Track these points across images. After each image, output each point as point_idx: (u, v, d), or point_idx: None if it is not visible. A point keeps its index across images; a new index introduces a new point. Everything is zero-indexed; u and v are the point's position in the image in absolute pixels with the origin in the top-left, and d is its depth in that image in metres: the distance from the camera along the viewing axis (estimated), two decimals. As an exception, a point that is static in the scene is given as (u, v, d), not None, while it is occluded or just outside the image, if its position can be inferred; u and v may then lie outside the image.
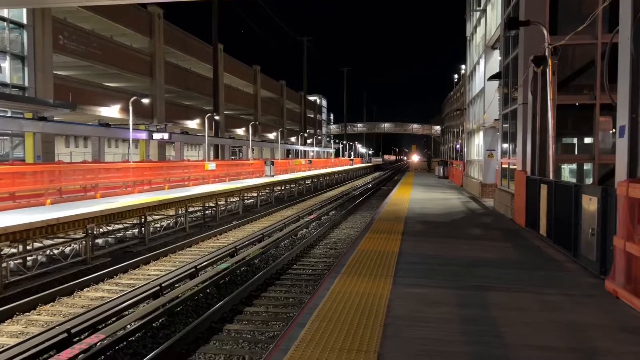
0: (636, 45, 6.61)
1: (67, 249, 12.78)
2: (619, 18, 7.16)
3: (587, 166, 14.81)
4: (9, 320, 8.59)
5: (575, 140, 16.21)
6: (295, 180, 34.67)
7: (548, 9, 13.92)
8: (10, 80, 24.95)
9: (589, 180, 14.53)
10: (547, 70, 11.54)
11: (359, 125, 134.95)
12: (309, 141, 79.78)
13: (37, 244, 12.21)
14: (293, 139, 78.50)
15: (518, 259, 8.94)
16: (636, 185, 6.03)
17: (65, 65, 31.30)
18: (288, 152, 72.60)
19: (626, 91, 6.80)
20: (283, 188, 31.87)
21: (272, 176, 32.44)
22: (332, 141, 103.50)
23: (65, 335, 7.24)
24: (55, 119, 25.84)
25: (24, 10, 25.28)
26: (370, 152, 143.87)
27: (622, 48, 7.01)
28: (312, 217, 21.05)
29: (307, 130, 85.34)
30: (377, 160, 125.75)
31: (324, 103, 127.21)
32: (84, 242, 12.70)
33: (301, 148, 72.96)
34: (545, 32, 11.80)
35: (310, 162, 51.25)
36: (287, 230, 17.47)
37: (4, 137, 24.18)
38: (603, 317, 5.64)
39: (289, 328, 5.12)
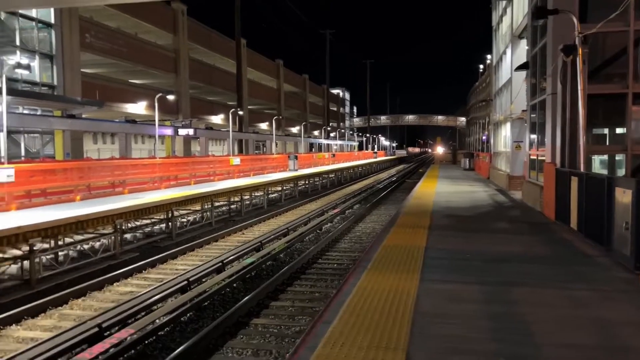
0: (672, 32, 6.37)
1: (97, 244, 13.03)
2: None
3: (619, 157, 14.43)
4: (42, 314, 8.81)
5: (606, 131, 15.79)
6: (318, 174, 34.67)
7: (577, -4, 13.54)
8: (40, 79, 25.52)
9: (620, 172, 14.16)
10: (578, 59, 11.23)
11: (383, 117, 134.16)
12: (332, 134, 79.70)
13: (68, 239, 12.49)
14: (316, 133, 78.53)
15: (547, 254, 8.77)
16: (672, 178, 5.84)
17: (92, 63, 31.87)
18: (311, 145, 72.63)
19: (661, 80, 6.57)
20: (307, 182, 31.91)
21: (296, 170, 32.51)
22: (355, 134, 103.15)
23: (96, 329, 7.39)
24: (83, 116, 26.34)
25: (52, 10, 25.77)
26: (394, 144, 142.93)
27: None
28: (336, 211, 21.03)
29: (330, 124, 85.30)
30: (401, 152, 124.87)
31: (347, 96, 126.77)
32: (112, 237, 12.94)
33: (324, 142, 72.93)
34: (575, 20, 11.48)
35: (334, 155, 51.19)
36: (312, 224, 17.48)
37: (35, 135, 24.77)
38: (636, 314, 5.49)
39: (316, 325, 5.11)
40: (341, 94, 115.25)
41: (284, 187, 27.02)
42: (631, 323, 5.20)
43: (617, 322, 5.21)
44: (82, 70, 28.67)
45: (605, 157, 15.37)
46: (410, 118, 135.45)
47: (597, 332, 4.95)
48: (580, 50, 11.11)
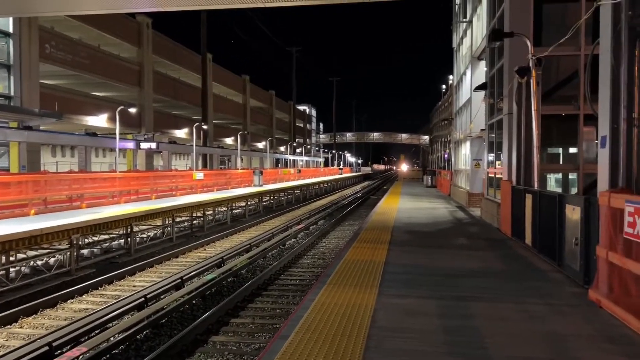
0: (616, 56, 6.70)
1: (52, 260, 12.62)
2: (600, 29, 7.27)
3: (573, 175, 14.96)
4: (-10, 333, 8.45)
5: (560, 150, 16.37)
6: (284, 190, 34.62)
7: (532, 21, 14.11)
8: (-4, 90, 24.75)
9: (574, 190, 14.67)
10: (531, 81, 11.67)
11: (348, 134, 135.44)
12: (298, 150, 79.85)
13: (20, 255, 12.06)
14: (282, 149, 78.53)
15: (503, 269, 8.97)
16: (618, 195, 6.10)
17: (52, 75, 31.12)
18: (277, 161, 72.54)
19: (607, 102, 6.89)
20: (272, 197, 31.80)
21: (261, 185, 32.38)
22: (321, 150, 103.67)
23: (46, 348, 7.13)
24: (41, 128, 25.64)
25: (10, 19, 25.13)
26: (360, 161, 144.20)
27: (602, 59, 7.12)
28: (300, 226, 21.01)
29: (297, 140, 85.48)
30: (367, 169, 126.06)
31: (313, 112, 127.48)
32: (68, 253, 12.56)
33: (290, 157, 72.99)
34: (529, 43, 11.95)
35: (300, 171, 51.24)
36: (275, 240, 17.41)
37: (-11, 147, 23.95)
38: (586, 327, 5.67)
39: (272, 340, 5.08)
40: (308, 111, 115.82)
41: (249, 203, 26.85)
42: (581, 336, 5.37)
43: (568, 335, 5.36)
44: (41, 81, 27.96)
45: (560, 175, 15.92)
46: (375, 135, 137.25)
47: (549, 345, 5.09)
48: (534, 72, 11.55)
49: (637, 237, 5.44)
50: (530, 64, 11.63)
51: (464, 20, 27.62)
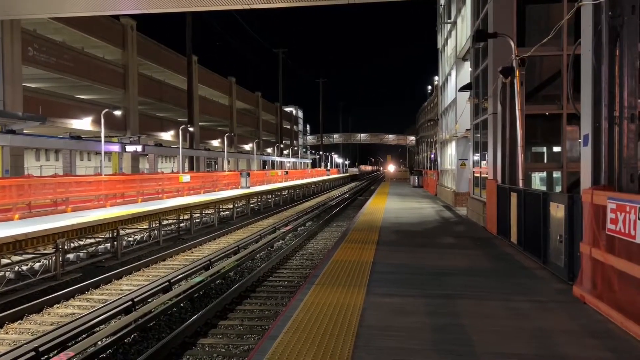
0: (597, 56, 6.83)
1: (37, 265, 12.49)
2: (581, 30, 7.40)
3: (557, 174, 15.16)
4: (-26, 339, 8.34)
5: (544, 149, 16.58)
6: (271, 192, 34.57)
7: (515, 22, 14.29)
8: (-22, 93, 24.40)
9: (558, 188, 14.86)
10: (515, 81, 11.81)
11: (335, 135, 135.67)
12: (285, 152, 79.76)
13: (4, 260, 11.90)
14: (269, 150, 78.40)
15: (489, 267, 9.06)
16: (600, 192, 6.21)
17: (35, 77, 30.77)
18: (264, 163, 72.41)
19: (589, 101, 7.01)
20: (259, 199, 31.74)
21: (248, 187, 32.31)
22: (308, 152, 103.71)
23: (32, 354, 7.06)
24: (24, 131, 25.30)
25: (-8, 21, 24.81)
26: (347, 162, 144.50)
27: (584, 59, 7.24)
28: (288, 228, 21.00)
29: (284, 142, 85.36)
30: (354, 170, 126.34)
31: (300, 114, 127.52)
32: (54, 258, 12.43)
33: (277, 159, 72.92)
34: (512, 43, 12.10)
35: (287, 173, 51.22)
36: (263, 241, 17.39)
37: (-29, 151, 23.54)
38: (570, 323, 5.76)
39: (261, 341, 5.09)
40: (294, 112, 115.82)
41: (236, 205, 26.77)
42: (566, 332, 5.45)
43: (553, 331, 5.44)
44: (24, 84, 27.62)
45: (545, 174, 16.11)
46: (362, 136, 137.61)
47: (535, 341, 5.16)
48: (517, 72, 11.69)
49: (620, 233, 5.55)
50: (514, 64, 11.77)
51: (449, 21, 27.85)
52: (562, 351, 4.88)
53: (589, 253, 6.35)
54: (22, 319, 9.42)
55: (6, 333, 8.73)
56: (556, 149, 15.52)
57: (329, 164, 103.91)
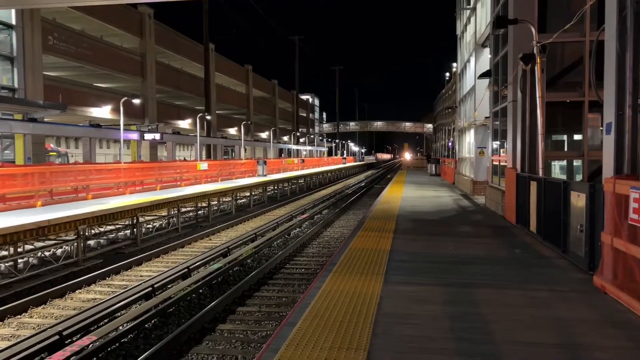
0: (621, 42, 6.67)
1: (59, 251, 12.74)
2: (605, 15, 7.23)
3: (578, 162, 14.94)
4: (0, 323, 8.57)
5: (565, 137, 16.32)
6: (288, 180, 34.67)
7: (537, 7, 13.99)
8: (0, 82, 24.78)
9: (579, 177, 14.65)
10: (536, 68, 11.62)
11: (352, 123, 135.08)
12: (301, 140, 79.77)
13: (28, 246, 12.17)
14: (285, 138, 78.46)
15: (507, 256, 9.01)
16: (622, 182, 6.11)
17: (56, 66, 31.13)
18: (281, 151, 72.56)
19: (612, 88, 6.86)
20: (276, 187, 31.86)
21: (265, 175, 32.44)
22: (324, 140, 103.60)
23: (57, 337, 7.23)
24: (45, 120, 25.69)
25: (13, 11, 25.08)
26: (363, 150, 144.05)
27: (607, 46, 7.08)
28: (305, 216, 21.07)
29: (300, 129, 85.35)
30: (370, 158, 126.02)
31: (316, 102, 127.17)
32: (75, 244, 12.66)
33: (294, 147, 72.98)
34: (533, 30, 11.88)
35: (303, 161, 51.26)
36: (280, 229, 17.48)
37: (-6, 139, 24.02)
38: (590, 313, 5.71)
39: (280, 327, 5.15)
40: (310, 100, 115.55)
41: (253, 193, 26.93)
42: (585, 321, 5.41)
43: (573, 321, 5.41)
44: (44, 73, 27.96)
45: (565, 162, 15.89)
46: (378, 124, 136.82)
47: (554, 330, 5.13)
48: (538, 59, 11.49)
49: (642, 223, 5.46)
50: (535, 51, 11.57)
51: (468, 7, 27.43)
52: (583, 341, 4.86)
53: (611, 243, 6.27)
54: (45, 304, 9.64)
55: (30, 317, 8.95)
56: (577, 137, 15.27)
57: (345, 152, 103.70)
